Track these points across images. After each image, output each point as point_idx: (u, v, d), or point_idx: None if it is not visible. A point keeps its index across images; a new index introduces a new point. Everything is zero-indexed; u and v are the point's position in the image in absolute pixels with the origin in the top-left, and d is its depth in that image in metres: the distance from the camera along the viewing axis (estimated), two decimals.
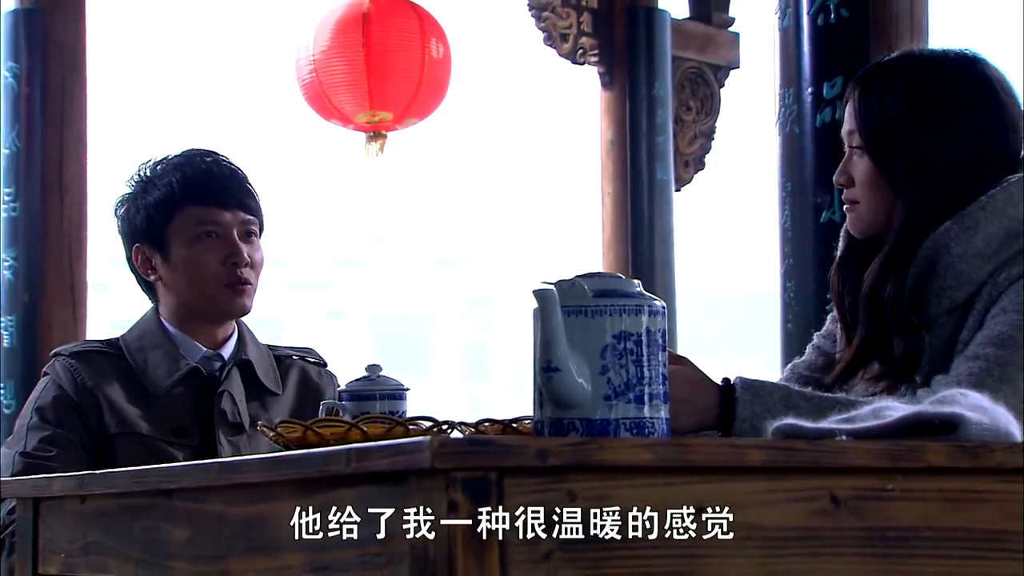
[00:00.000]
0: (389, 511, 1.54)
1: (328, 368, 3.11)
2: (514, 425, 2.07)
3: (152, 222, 2.97)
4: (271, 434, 2.12)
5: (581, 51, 6.90)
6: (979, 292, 2.35)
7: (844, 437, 1.71)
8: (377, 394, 2.36)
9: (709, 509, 1.54)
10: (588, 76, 6.97)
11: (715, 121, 7.24)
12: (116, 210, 3.05)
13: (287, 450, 2.08)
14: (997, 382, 2.21)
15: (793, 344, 4.13)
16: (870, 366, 2.44)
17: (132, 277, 3.06)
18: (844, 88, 4.07)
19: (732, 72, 7.33)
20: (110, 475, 2.10)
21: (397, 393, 2.37)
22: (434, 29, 6.08)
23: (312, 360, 3.09)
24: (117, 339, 3.00)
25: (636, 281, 1.92)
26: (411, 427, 2.05)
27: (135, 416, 2.86)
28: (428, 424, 2.07)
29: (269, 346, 3.07)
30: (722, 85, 7.29)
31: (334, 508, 1.62)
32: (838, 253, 2.55)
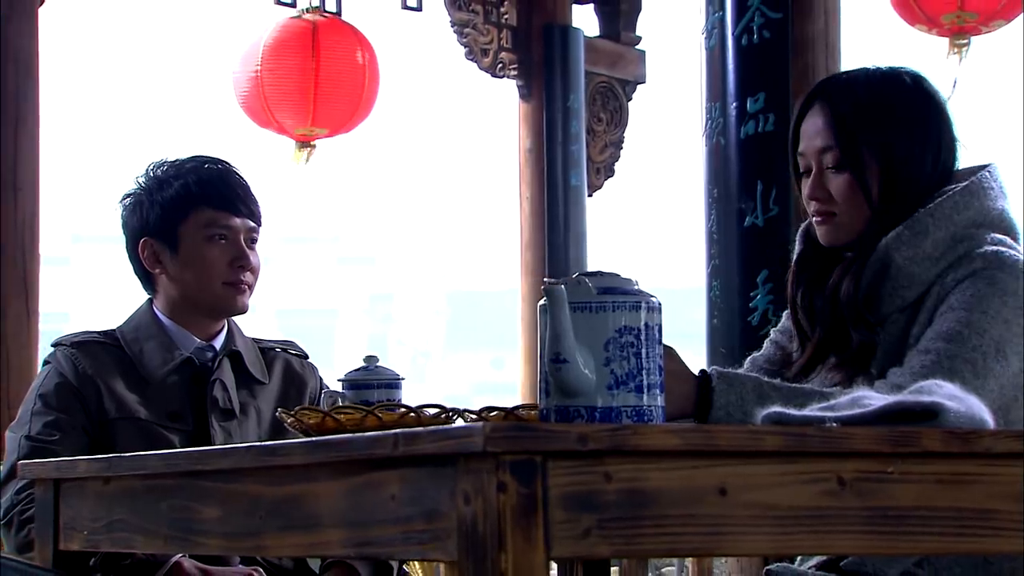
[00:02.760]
0: (437, 491, 1.55)
1: (309, 360, 3.11)
2: (517, 412, 2.07)
3: (166, 219, 2.95)
4: (289, 420, 2.11)
5: (501, 65, 6.92)
6: (928, 291, 2.39)
7: (835, 424, 1.74)
8: (375, 383, 2.35)
9: (730, 490, 1.56)
10: (507, 89, 7.00)
11: (624, 132, 7.30)
12: (123, 206, 3.02)
13: (305, 435, 2.07)
14: (947, 374, 2.25)
15: (717, 338, 4.19)
16: (828, 360, 2.47)
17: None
18: (767, 103, 4.16)
19: (639, 87, 7.39)
20: (139, 458, 2.08)
21: (393, 383, 2.37)
22: (367, 48, 6.08)
23: (294, 352, 3.09)
24: (113, 330, 2.98)
25: (634, 279, 1.94)
26: (421, 414, 2.05)
27: (133, 402, 2.85)
28: (435, 411, 2.08)
29: (253, 339, 3.06)
30: (630, 98, 7.35)
31: (376, 488, 1.63)
32: (795, 256, 2.58)
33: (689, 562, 5.31)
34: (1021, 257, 2.40)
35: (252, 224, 2.99)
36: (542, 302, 1.89)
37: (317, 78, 5.74)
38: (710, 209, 4.21)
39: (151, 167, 3.02)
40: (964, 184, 2.45)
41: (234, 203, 2.96)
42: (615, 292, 1.90)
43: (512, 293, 7.19)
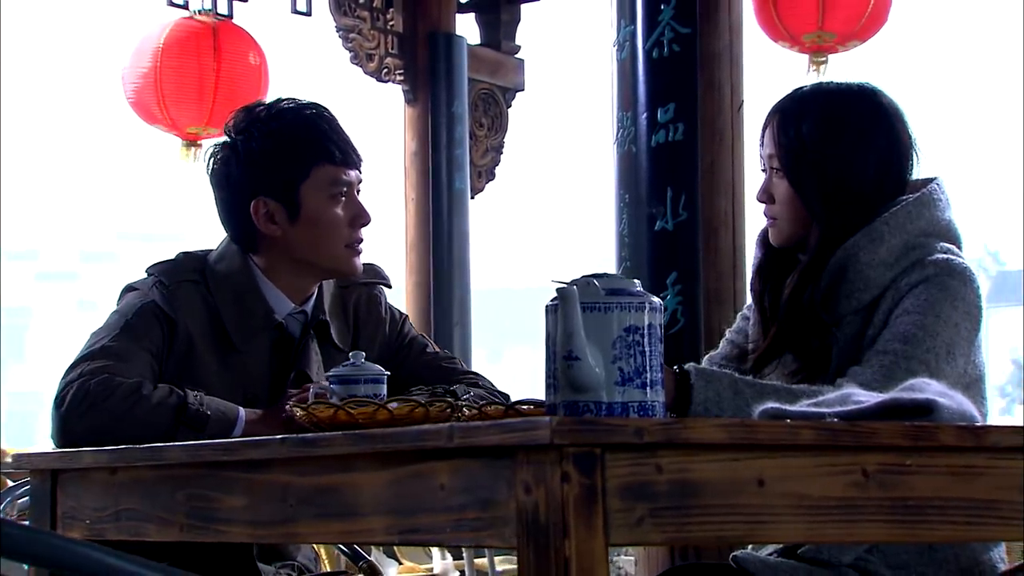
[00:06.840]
0: (492, 481, 1.56)
1: (381, 294, 2.84)
2: (518, 407, 2.08)
3: (284, 177, 2.66)
4: (300, 414, 2.09)
5: (386, 70, 6.91)
6: (883, 295, 2.47)
7: (835, 420, 1.79)
8: (361, 378, 2.35)
9: (767, 481, 1.60)
10: (393, 93, 7.00)
11: (504, 137, 7.35)
12: (219, 159, 2.73)
13: (317, 430, 2.06)
14: (904, 373, 2.32)
15: None
16: (784, 358, 2.53)
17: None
18: (677, 113, 4.22)
19: (518, 94, 7.44)
20: (156, 449, 2.05)
21: (378, 378, 2.37)
22: (258, 51, 6.05)
23: (376, 280, 2.83)
24: (203, 261, 2.71)
25: (636, 281, 1.97)
26: (430, 407, 2.05)
27: (211, 374, 2.61)
28: (440, 405, 2.08)
29: (339, 286, 2.80)
30: (509, 105, 7.40)
31: (423, 478, 1.64)
32: (756, 260, 2.64)
33: None
34: (967, 264, 2.49)
35: (361, 176, 2.73)
36: (550, 302, 1.91)
37: (218, 78, 5.69)
38: (621, 213, 4.26)
39: (244, 114, 2.74)
40: (916, 196, 2.53)
41: (349, 155, 2.69)
42: (622, 293, 1.93)
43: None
